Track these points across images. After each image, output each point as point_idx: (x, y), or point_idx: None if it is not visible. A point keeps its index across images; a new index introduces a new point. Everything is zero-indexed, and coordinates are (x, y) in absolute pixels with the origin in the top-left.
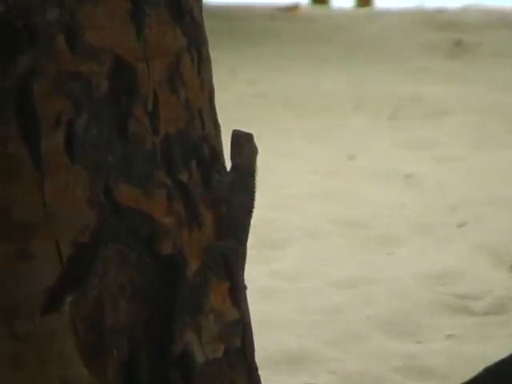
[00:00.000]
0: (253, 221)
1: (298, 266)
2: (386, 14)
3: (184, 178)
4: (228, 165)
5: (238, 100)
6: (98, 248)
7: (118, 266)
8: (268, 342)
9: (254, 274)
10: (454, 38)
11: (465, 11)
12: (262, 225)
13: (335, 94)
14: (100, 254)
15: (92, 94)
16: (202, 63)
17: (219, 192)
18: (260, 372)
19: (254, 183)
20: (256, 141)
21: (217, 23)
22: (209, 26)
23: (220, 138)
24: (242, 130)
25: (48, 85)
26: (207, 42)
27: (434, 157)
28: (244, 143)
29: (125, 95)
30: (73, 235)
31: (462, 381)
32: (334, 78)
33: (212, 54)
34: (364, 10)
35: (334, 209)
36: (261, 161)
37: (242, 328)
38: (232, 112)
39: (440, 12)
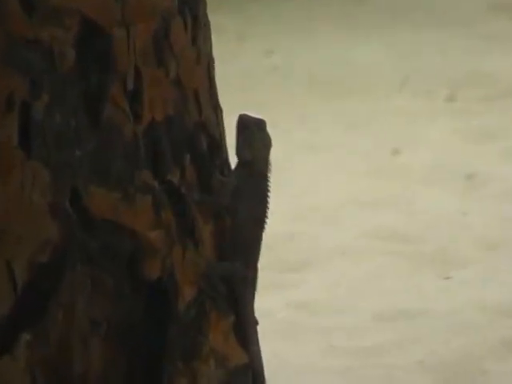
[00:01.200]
0: (266, 236)
1: (326, 295)
2: None
3: (175, 178)
4: (233, 161)
5: (248, 76)
6: (62, 271)
7: (90, 295)
8: None
9: (268, 304)
10: None
11: None
12: (280, 241)
13: (374, 69)
14: (65, 278)
15: (55, 68)
16: (199, 28)
17: (221, 197)
18: None
19: (267, 185)
20: (270, 129)
21: None
22: None
23: (222, 126)
24: (252, 115)
25: None
26: (205, 1)
27: (502, 151)
28: (254, 133)
29: (97, 70)
30: (29, 254)
31: None
32: (372, 48)
33: (213, 17)
34: None
35: (375, 219)
36: (277, 156)
37: (252, 376)
38: (239, 92)
39: None
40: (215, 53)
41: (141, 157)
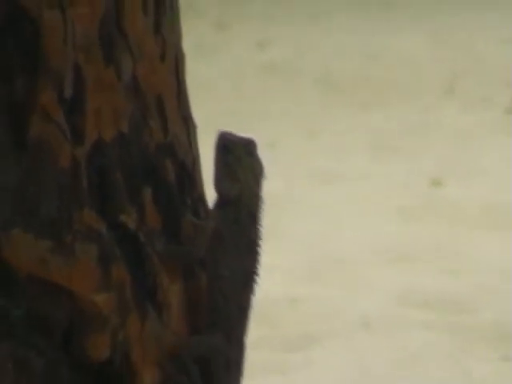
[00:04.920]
0: (259, 300)
1: (340, 383)
2: None
3: (131, 221)
4: (211, 197)
5: (234, 76)
6: None
7: (14, 381)
8: None
9: None
10: None
11: None
12: (279, 308)
13: (410, 66)
14: None
15: None
16: (163, 12)
17: (195, 247)
18: None
19: (257, 231)
20: (267, 152)
21: None
22: None
23: (196, 148)
24: (236, 133)
25: None
26: None
27: None
28: (240, 158)
29: (20, 69)
30: None
31: None
32: (407, 37)
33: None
34: None
35: (409, 278)
36: (275, 189)
37: None
38: (221, 99)
39: None
40: (189, 45)
41: (82, 191)
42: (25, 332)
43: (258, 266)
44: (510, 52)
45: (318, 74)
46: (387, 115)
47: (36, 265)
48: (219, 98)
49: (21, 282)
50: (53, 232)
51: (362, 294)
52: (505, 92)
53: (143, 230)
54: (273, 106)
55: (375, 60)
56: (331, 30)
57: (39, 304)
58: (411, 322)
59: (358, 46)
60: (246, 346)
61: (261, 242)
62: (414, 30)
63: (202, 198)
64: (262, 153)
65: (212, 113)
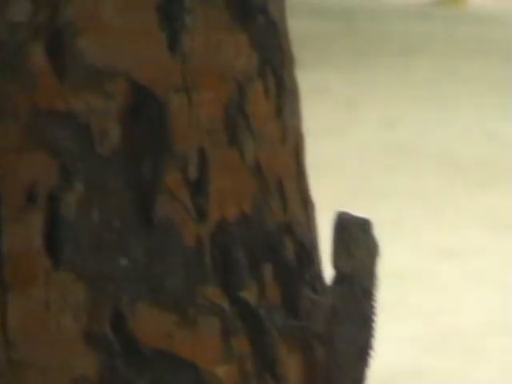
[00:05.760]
0: (382, 373)
1: None
2: None
3: (251, 296)
4: (328, 274)
5: (359, 157)
6: None
7: None
8: None
9: None
10: None
11: None
12: (401, 380)
13: None
14: None
15: (93, 149)
16: (285, 96)
17: (312, 322)
18: None
19: (371, 306)
20: (392, 227)
21: (320, 25)
22: (303, 29)
23: (314, 228)
24: (353, 213)
25: (16, 132)
26: (294, 60)
27: None
28: (356, 236)
29: (148, 151)
30: None
31: None
32: None
33: (313, 76)
34: None
35: None
36: (400, 263)
37: None
38: (343, 180)
39: None
40: (314, 124)
41: (206, 267)
42: None
43: (373, 341)
44: None
45: (440, 155)
46: (507, 195)
47: (161, 338)
48: (339, 178)
49: (146, 354)
50: (177, 307)
51: (486, 366)
52: None
53: (263, 305)
54: (394, 184)
55: (497, 144)
56: (456, 113)
57: (163, 376)
58: None
59: (481, 130)
60: None
61: (375, 318)
62: None
63: (319, 275)
64: (386, 230)
65: (332, 193)
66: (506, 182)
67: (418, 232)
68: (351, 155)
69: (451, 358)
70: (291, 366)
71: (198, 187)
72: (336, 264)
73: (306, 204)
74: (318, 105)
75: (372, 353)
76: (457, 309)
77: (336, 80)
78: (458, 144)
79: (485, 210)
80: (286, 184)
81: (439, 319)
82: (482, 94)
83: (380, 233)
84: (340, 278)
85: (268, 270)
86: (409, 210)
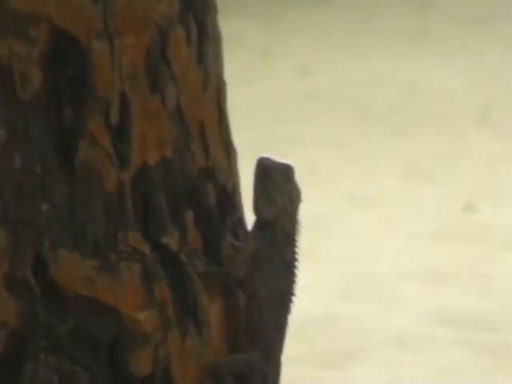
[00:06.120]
0: (297, 319)
1: None
2: None
3: (173, 242)
4: (250, 220)
5: (274, 104)
6: (20, 363)
7: None
8: None
9: None
10: None
11: None
12: (316, 326)
13: (445, 96)
14: (25, 373)
15: (14, 94)
16: (207, 42)
17: (234, 268)
18: None
19: (294, 252)
20: (306, 176)
21: None
22: None
23: (236, 173)
24: (276, 159)
25: None
26: (216, 7)
27: None
28: (278, 183)
29: (70, 96)
30: None
31: None
32: (443, 68)
33: (229, 26)
34: None
35: (443, 298)
36: (314, 212)
37: None
38: (261, 126)
39: None
40: (231, 73)
41: (127, 213)
42: (71, 347)
43: (295, 286)
44: None
45: (354, 103)
46: (420, 143)
47: (83, 283)
48: (258, 124)
49: (68, 300)
50: (99, 252)
51: (395, 312)
52: None
53: (185, 250)
54: (309, 132)
55: (411, 91)
56: (370, 61)
57: (85, 321)
58: (444, 340)
59: (394, 78)
60: (284, 362)
61: (297, 264)
62: (449, 62)
63: (241, 221)
64: (300, 177)
65: (251, 139)
66: (420, 131)
67: (332, 180)
68: (264, 104)
69: (363, 304)
70: (213, 311)
71: (120, 133)
72: (258, 210)
73: (228, 149)
74: (233, 54)
75: (293, 298)
76: (370, 256)
77: (250, 29)
78: (373, 92)
79: (399, 159)
80: (208, 129)
81: (352, 266)
82: (397, 43)
83: None
84: (262, 223)
85: (189, 216)
86: (323, 158)
